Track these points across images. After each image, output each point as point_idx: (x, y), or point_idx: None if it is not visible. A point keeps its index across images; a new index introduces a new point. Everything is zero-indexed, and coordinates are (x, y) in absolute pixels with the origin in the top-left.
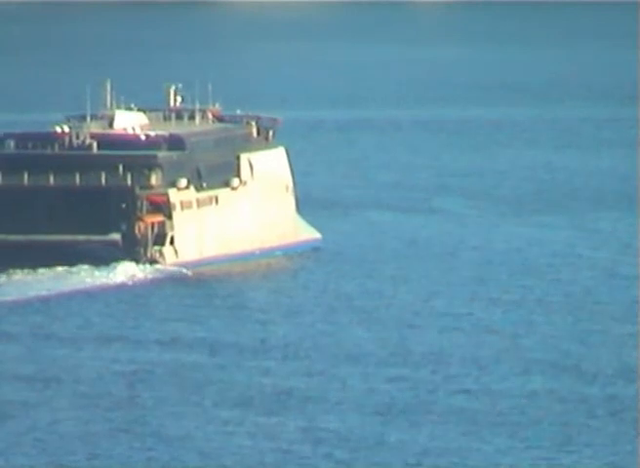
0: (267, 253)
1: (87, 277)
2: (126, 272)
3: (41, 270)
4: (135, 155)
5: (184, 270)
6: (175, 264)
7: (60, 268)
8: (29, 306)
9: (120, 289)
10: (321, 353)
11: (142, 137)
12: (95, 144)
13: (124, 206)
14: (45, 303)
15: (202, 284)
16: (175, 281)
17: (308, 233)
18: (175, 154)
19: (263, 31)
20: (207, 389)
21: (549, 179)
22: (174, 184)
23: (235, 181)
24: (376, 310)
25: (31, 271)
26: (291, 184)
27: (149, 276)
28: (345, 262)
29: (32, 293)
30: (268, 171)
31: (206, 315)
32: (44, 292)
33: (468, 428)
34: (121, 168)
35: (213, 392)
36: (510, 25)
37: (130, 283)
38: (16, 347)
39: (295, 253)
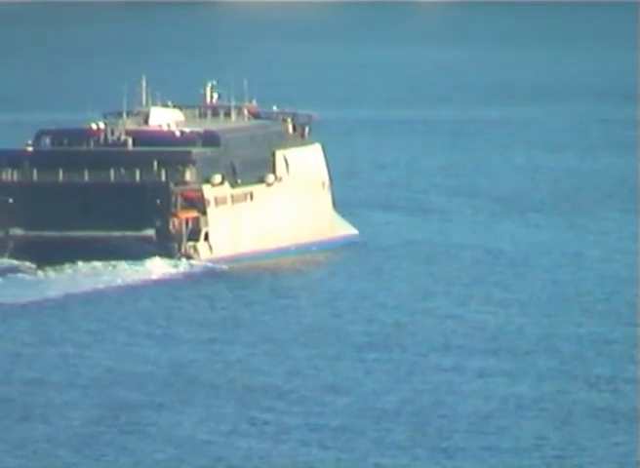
0: (303, 248)
1: (121, 273)
2: (160, 268)
3: (76, 267)
4: (169, 151)
5: (219, 266)
6: (209, 260)
7: (94, 264)
8: (64, 303)
9: (155, 284)
10: (327, 351)
11: (177, 134)
12: (130, 141)
13: (158, 202)
14: (79, 300)
15: (236, 280)
16: (209, 277)
17: (345, 229)
18: (209, 150)
19: (263, 31)
20: (213, 389)
21: (548, 180)
22: (208, 180)
23: (270, 178)
24: (376, 310)
25: (66, 267)
26: (327, 181)
27: (183, 272)
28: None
29: (66, 291)
30: (304, 167)
31: (227, 311)
32: (78, 290)
33: (470, 429)
34: (155, 164)
35: (220, 391)
36: (510, 25)
37: (164, 279)
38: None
39: (331, 249)
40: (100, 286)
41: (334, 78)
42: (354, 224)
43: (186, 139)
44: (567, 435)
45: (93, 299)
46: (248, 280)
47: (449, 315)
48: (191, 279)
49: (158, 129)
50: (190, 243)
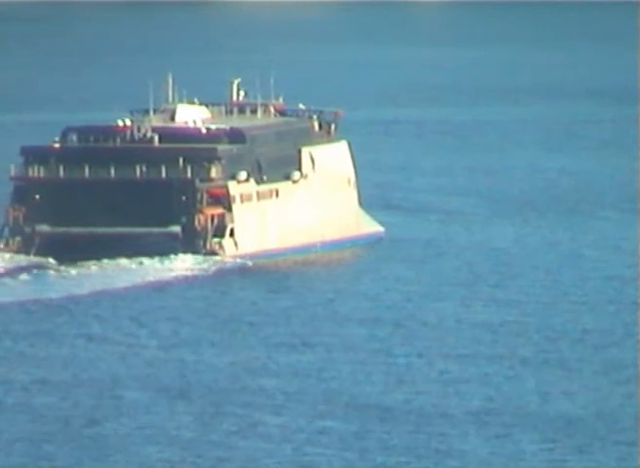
0: (328, 245)
1: (147, 269)
2: (186, 264)
3: (101, 263)
4: (195, 148)
5: (244, 262)
6: (234, 256)
7: (120, 261)
8: (90, 300)
9: (180, 281)
10: (334, 357)
11: (203, 131)
12: (156, 137)
13: (184, 198)
14: (104, 297)
15: (261, 276)
16: (234, 273)
17: (371, 227)
18: (235, 147)
19: (263, 31)
20: (215, 389)
21: (547, 179)
22: (234, 177)
23: (296, 175)
24: (377, 310)
25: (92, 264)
26: (353, 178)
27: (209, 268)
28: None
29: (93, 288)
30: (330, 164)
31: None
32: (104, 286)
33: (472, 431)
34: (181, 161)
35: (222, 392)
36: (510, 25)
37: (189, 275)
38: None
39: (356, 246)
40: (126, 283)
41: (333, 78)
42: None
43: (212, 136)
44: (568, 436)
45: (117, 296)
46: (272, 277)
47: (449, 315)
48: (216, 275)
49: (184, 126)
50: (216, 239)
